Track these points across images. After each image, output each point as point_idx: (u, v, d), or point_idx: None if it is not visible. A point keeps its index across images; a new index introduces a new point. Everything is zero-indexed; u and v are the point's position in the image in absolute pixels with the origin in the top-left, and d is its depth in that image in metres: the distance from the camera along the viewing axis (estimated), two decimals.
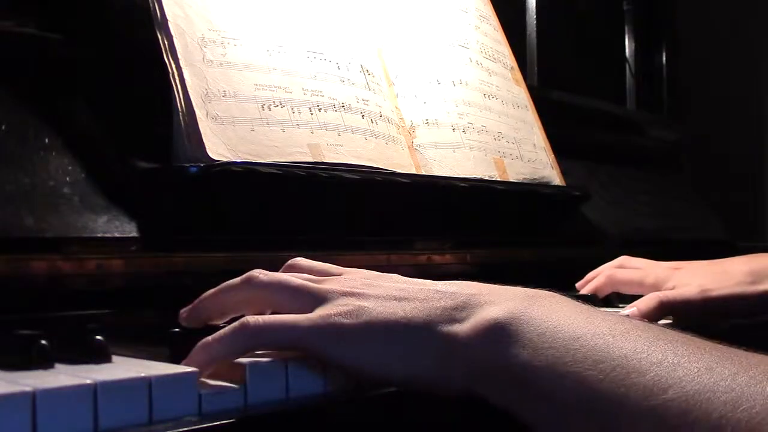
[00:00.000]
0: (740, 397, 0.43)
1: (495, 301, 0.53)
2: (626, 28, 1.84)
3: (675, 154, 1.83)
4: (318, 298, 0.57)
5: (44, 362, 0.50)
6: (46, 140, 0.73)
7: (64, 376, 0.48)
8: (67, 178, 0.72)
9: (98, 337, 0.54)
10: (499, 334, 0.51)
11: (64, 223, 0.69)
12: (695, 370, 0.45)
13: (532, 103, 1.19)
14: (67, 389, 0.45)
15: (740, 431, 0.42)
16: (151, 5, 0.79)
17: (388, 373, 0.54)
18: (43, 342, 0.51)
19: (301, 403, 0.55)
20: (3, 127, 0.71)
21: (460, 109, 1.05)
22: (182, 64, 0.78)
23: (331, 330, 0.54)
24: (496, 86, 1.13)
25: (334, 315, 0.55)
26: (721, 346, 0.47)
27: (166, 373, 0.49)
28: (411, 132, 0.99)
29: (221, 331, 0.55)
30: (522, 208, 1.09)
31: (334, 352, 0.55)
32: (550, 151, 1.18)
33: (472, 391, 0.53)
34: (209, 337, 0.54)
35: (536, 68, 1.49)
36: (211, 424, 0.48)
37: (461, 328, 0.53)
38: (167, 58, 0.78)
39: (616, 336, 0.48)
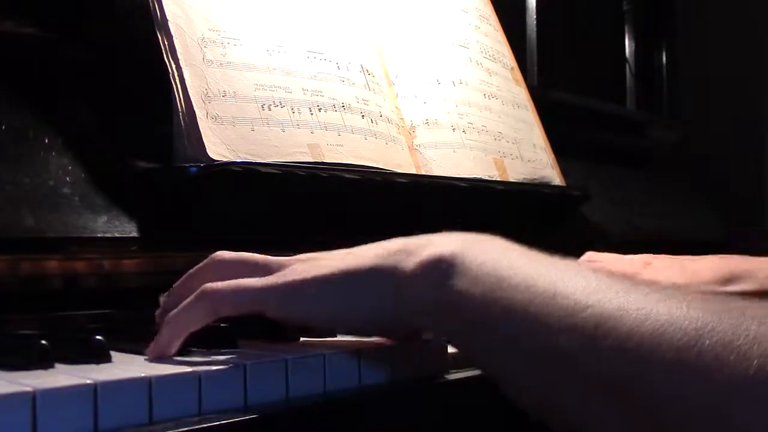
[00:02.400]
0: (649, 312, 0.46)
1: (440, 242, 0.56)
2: (626, 28, 1.84)
3: (675, 154, 1.83)
4: (276, 267, 0.60)
5: (44, 362, 0.50)
6: (46, 140, 0.73)
7: (64, 376, 0.48)
8: (67, 178, 0.72)
9: (98, 337, 0.54)
10: (442, 268, 0.54)
11: (64, 223, 0.69)
12: (613, 292, 0.48)
13: (532, 103, 1.19)
14: (67, 389, 0.45)
15: (645, 341, 0.45)
16: (151, 5, 0.79)
17: (339, 322, 0.59)
18: (43, 342, 0.51)
19: (301, 403, 0.55)
20: (3, 127, 0.71)
21: (460, 109, 1.05)
22: (182, 64, 0.78)
23: (284, 288, 0.58)
24: (496, 86, 1.13)
25: (287, 274, 0.58)
26: (640, 279, 0.51)
27: (166, 373, 0.49)
28: (411, 132, 0.99)
29: (182, 304, 0.58)
30: (522, 208, 1.09)
31: (288, 309, 0.58)
32: (550, 151, 1.18)
33: (416, 326, 0.58)
34: (171, 312, 0.57)
35: (536, 68, 1.49)
36: (211, 424, 0.48)
37: (406, 265, 0.56)
38: (167, 58, 0.78)
39: (547, 267, 0.52)
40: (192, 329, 0.57)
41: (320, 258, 0.60)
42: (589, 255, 1.06)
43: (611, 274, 0.52)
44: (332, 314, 0.58)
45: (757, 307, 0.46)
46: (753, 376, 0.42)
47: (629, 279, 0.51)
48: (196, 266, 0.63)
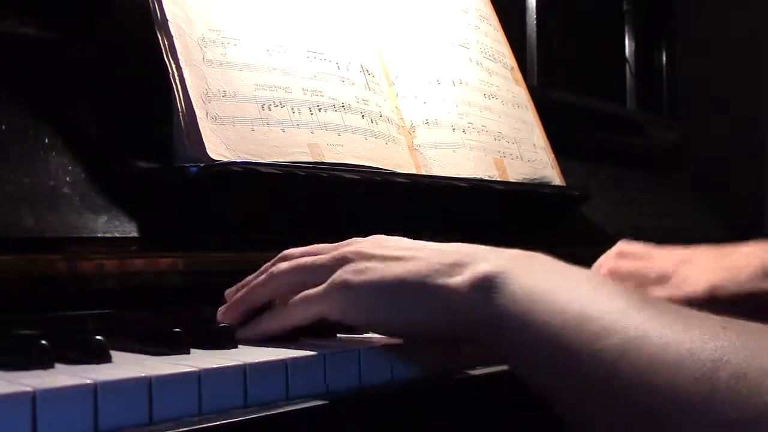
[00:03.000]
0: (670, 341, 0.48)
1: (488, 259, 0.59)
2: (626, 28, 1.84)
3: (675, 154, 1.83)
4: (331, 267, 0.63)
5: (44, 362, 0.50)
6: (46, 140, 0.73)
7: (64, 376, 0.48)
8: (67, 178, 0.72)
9: (98, 337, 0.54)
10: (486, 286, 0.57)
11: (64, 223, 0.69)
12: (638, 319, 0.50)
13: (532, 103, 1.19)
14: (67, 389, 0.45)
15: (664, 372, 0.47)
16: (151, 5, 0.79)
17: (389, 326, 0.62)
18: (43, 342, 0.51)
19: (302, 403, 0.55)
20: (3, 127, 0.71)
21: (460, 109, 1.05)
22: (182, 64, 0.78)
23: (336, 294, 0.61)
24: (496, 86, 1.13)
25: (340, 279, 0.61)
26: (668, 303, 0.53)
27: (166, 373, 0.49)
28: (411, 132, 0.99)
29: (263, 318, 0.65)
30: (522, 208, 1.09)
31: (345, 313, 0.62)
32: (550, 151, 1.18)
33: (459, 337, 0.61)
34: (254, 323, 0.65)
35: (536, 68, 1.49)
36: (211, 424, 0.48)
37: (455, 281, 0.58)
38: (167, 58, 0.78)
39: (582, 290, 0.54)
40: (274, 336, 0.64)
41: (374, 255, 0.62)
42: (621, 246, 1.04)
43: (641, 296, 0.53)
44: (386, 322, 0.62)
45: None
46: (762, 410, 0.43)
47: (657, 303, 0.52)
48: (260, 278, 0.67)
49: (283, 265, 0.66)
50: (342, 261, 0.63)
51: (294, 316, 0.63)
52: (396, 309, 0.60)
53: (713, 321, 0.49)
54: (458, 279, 0.58)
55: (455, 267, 0.59)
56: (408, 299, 0.60)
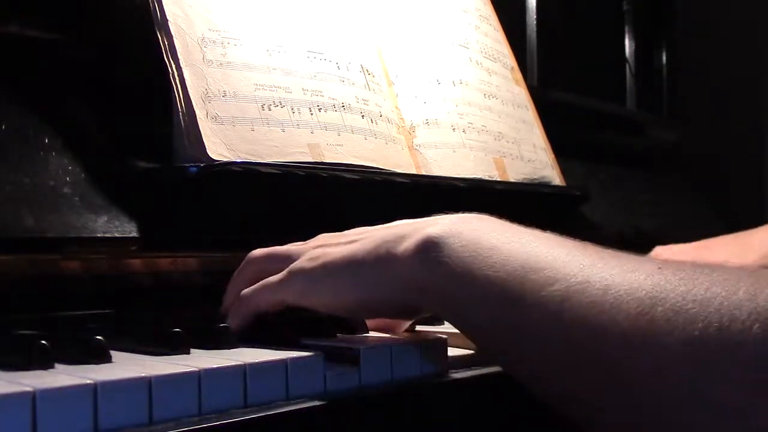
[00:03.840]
0: (610, 284, 0.49)
1: (432, 224, 0.60)
2: (626, 28, 1.84)
3: (675, 154, 1.83)
4: (293, 257, 0.66)
5: (44, 362, 0.50)
6: (46, 140, 0.73)
7: (64, 376, 0.48)
8: (67, 178, 0.72)
9: (98, 337, 0.54)
10: (430, 248, 0.58)
11: (64, 223, 0.69)
12: (579, 266, 0.52)
13: (532, 103, 1.19)
14: (67, 389, 0.45)
15: (605, 312, 0.49)
16: (151, 5, 0.79)
17: (345, 304, 0.63)
18: (43, 342, 0.51)
19: (302, 403, 0.55)
20: (3, 127, 0.71)
21: (460, 109, 1.05)
22: (182, 64, 0.78)
23: (295, 279, 0.63)
24: (496, 86, 1.13)
25: (299, 265, 0.64)
26: (609, 250, 0.54)
27: (166, 372, 0.49)
28: (411, 132, 0.99)
29: (230, 308, 0.67)
30: (522, 208, 1.09)
31: (301, 298, 0.63)
32: (550, 151, 1.18)
33: (413, 306, 0.61)
34: (229, 316, 0.66)
35: (536, 68, 1.49)
36: (211, 424, 0.48)
37: (402, 247, 0.59)
38: (167, 58, 0.78)
39: (524, 244, 0.55)
40: (245, 327, 0.64)
41: (331, 244, 0.65)
42: (657, 250, 1.04)
43: (584, 245, 0.55)
44: (342, 301, 0.63)
45: (708, 272, 0.48)
46: (698, 336, 0.45)
47: (598, 250, 0.54)
48: (239, 267, 0.69)
49: (256, 252, 0.69)
50: (303, 251, 0.65)
51: (257, 302, 0.65)
52: (350, 287, 0.62)
53: (651, 263, 0.51)
54: (405, 245, 0.59)
55: (402, 237, 0.60)
56: (360, 275, 0.61)
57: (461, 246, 0.57)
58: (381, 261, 0.60)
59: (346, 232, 0.67)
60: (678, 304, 0.47)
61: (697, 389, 0.45)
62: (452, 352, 0.67)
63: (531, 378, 0.55)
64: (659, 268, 0.50)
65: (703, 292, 0.46)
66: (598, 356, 0.49)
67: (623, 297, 0.49)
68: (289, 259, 0.66)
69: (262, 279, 0.66)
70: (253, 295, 0.65)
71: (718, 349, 0.45)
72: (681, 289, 0.47)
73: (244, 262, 0.69)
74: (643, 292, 0.48)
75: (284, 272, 0.64)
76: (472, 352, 0.68)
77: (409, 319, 0.69)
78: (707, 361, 0.45)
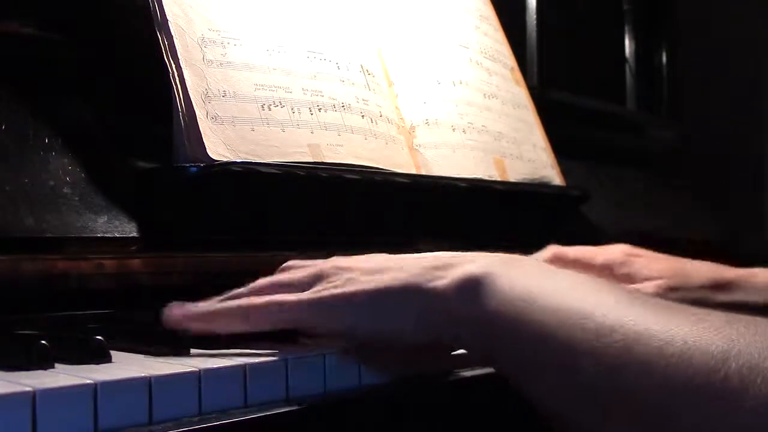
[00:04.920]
0: (675, 335, 0.47)
1: (473, 261, 0.58)
2: (626, 28, 1.84)
3: (675, 154, 1.83)
4: (309, 282, 0.62)
5: (44, 362, 0.50)
6: (46, 140, 0.73)
7: (64, 376, 0.48)
8: (67, 178, 0.72)
9: (98, 337, 0.54)
10: (474, 286, 0.56)
11: (64, 223, 0.69)
12: (637, 315, 0.49)
13: (532, 103, 1.19)
14: (67, 389, 0.45)
15: (671, 365, 0.46)
16: (151, 5, 0.79)
17: (373, 335, 0.60)
18: (43, 342, 0.51)
19: (300, 402, 0.55)
20: (3, 127, 0.71)
21: (460, 109, 1.05)
22: (182, 64, 0.78)
23: (319, 304, 0.60)
24: (496, 86, 1.13)
25: (323, 290, 0.60)
26: (664, 300, 0.53)
27: (166, 372, 0.49)
28: (411, 132, 0.99)
29: (223, 307, 0.61)
30: (522, 208, 1.09)
31: (325, 324, 0.60)
32: (550, 151, 1.18)
33: (447, 341, 0.59)
34: (212, 305, 0.61)
35: (536, 68, 1.49)
36: (211, 424, 0.48)
37: (440, 283, 0.58)
38: (167, 58, 0.78)
39: (575, 289, 0.54)
40: (220, 332, 0.60)
41: (355, 269, 0.61)
42: (553, 249, 1.00)
43: (635, 293, 0.53)
44: (363, 331, 0.60)
45: None
46: None
47: (653, 300, 0.52)
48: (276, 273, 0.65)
49: (260, 282, 0.64)
50: (320, 276, 0.62)
51: (267, 318, 0.61)
52: (378, 317, 0.59)
53: (716, 314, 0.49)
54: (444, 281, 0.57)
55: (439, 270, 0.58)
56: (392, 307, 0.59)
57: (509, 288, 0.55)
58: (419, 294, 0.58)
59: (366, 256, 0.64)
60: (754, 361, 0.44)
61: None
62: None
63: (578, 424, 0.52)
64: (727, 321, 0.48)
65: None
66: (663, 412, 0.46)
67: (692, 350, 0.46)
68: (301, 285, 0.62)
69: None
70: (260, 310, 0.61)
71: None
72: (756, 345, 0.45)
73: (248, 290, 0.64)
74: (714, 346, 0.46)
75: (304, 294, 0.61)
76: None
77: (429, 353, 0.65)
78: None
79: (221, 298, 0.63)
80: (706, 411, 0.45)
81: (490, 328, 0.55)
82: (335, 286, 0.60)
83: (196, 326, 0.60)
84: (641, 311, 0.50)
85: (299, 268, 0.64)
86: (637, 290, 0.56)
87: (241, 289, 0.64)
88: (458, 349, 0.63)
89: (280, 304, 0.60)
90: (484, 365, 0.64)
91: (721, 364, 0.45)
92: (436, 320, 0.58)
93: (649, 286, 0.95)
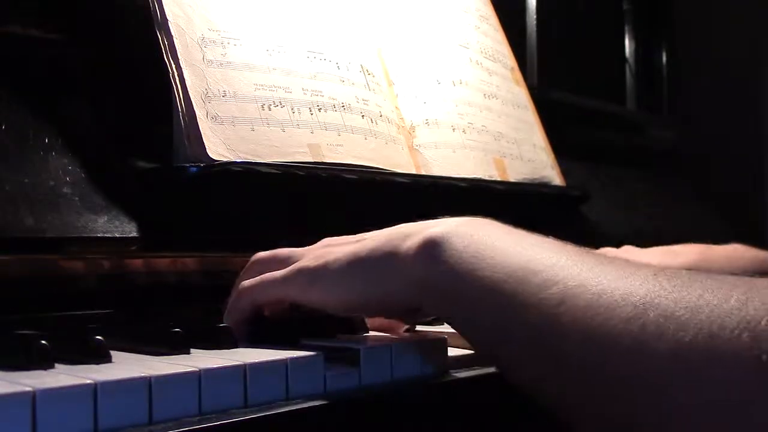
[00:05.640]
0: (605, 288, 0.50)
1: (436, 225, 0.61)
2: (626, 28, 1.84)
3: (675, 154, 1.83)
4: (296, 258, 0.66)
5: (44, 362, 0.50)
6: (46, 140, 0.73)
7: (64, 376, 0.48)
8: (67, 178, 0.72)
9: (98, 337, 0.54)
10: (432, 248, 0.58)
11: (64, 223, 0.69)
12: (578, 269, 0.53)
13: (532, 103, 1.19)
14: (67, 389, 0.45)
15: (599, 316, 0.49)
16: (151, 5, 0.79)
17: (346, 301, 0.63)
18: (43, 342, 0.51)
19: (300, 402, 0.55)
20: (3, 127, 0.71)
21: (460, 109, 1.05)
22: (182, 64, 0.78)
23: (299, 276, 0.64)
24: (496, 86, 1.13)
25: (303, 263, 0.64)
26: (607, 256, 0.55)
27: (166, 372, 0.49)
28: (411, 132, 0.99)
29: (229, 302, 0.67)
30: (522, 208, 1.09)
31: (305, 295, 0.64)
32: (550, 151, 1.18)
33: (414, 305, 0.61)
34: (226, 311, 0.67)
35: (536, 68, 1.49)
36: (211, 424, 0.48)
37: (404, 247, 0.60)
38: (167, 58, 0.78)
39: (525, 247, 0.56)
40: (243, 321, 0.65)
41: (336, 244, 0.66)
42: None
43: (583, 250, 0.56)
44: (345, 298, 0.63)
45: (702, 279, 0.49)
46: (689, 343, 0.46)
47: (597, 255, 0.55)
48: (244, 268, 0.70)
49: (261, 254, 0.69)
50: (307, 252, 0.66)
51: (255, 295, 0.66)
52: (352, 284, 0.62)
53: (646, 268, 0.52)
54: (407, 243, 0.60)
55: (405, 237, 0.61)
56: (362, 272, 0.61)
57: (464, 246, 0.57)
58: (383, 259, 0.61)
59: (350, 236, 0.67)
60: (669, 310, 0.47)
61: (684, 394, 0.45)
62: (452, 352, 0.67)
63: (523, 377, 0.55)
64: (654, 274, 0.50)
65: (695, 300, 0.47)
66: (589, 358, 0.50)
67: (617, 301, 0.49)
68: (292, 259, 0.66)
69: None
70: (253, 288, 0.66)
71: (707, 355, 0.45)
72: (674, 295, 0.48)
73: (248, 263, 0.70)
74: (637, 297, 0.49)
75: (287, 269, 0.65)
76: (472, 351, 0.68)
77: (408, 318, 0.69)
78: (696, 367, 0.45)
79: None
80: (627, 357, 0.48)
81: (445, 287, 0.57)
82: (310, 260, 0.64)
83: (231, 320, 0.65)
84: (584, 267, 0.53)
85: (281, 255, 0.68)
86: (604, 251, 0.57)
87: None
88: (426, 316, 0.67)
89: (264, 281, 0.65)
90: (448, 325, 0.65)
91: (641, 314, 0.48)
92: (401, 285, 0.60)
93: None
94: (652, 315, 0.47)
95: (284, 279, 0.65)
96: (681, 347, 0.46)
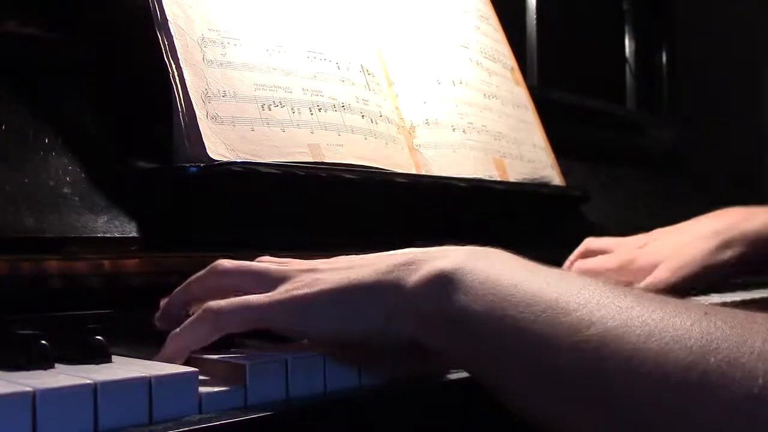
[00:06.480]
0: (653, 330, 0.46)
1: (442, 256, 0.56)
2: (626, 28, 1.84)
3: (675, 154, 1.83)
4: (278, 279, 0.59)
5: (44, 362, 0.50)
6: (46, 140, 0.73)
7: (64, 376, 0.48)
8: (67, 178, 0.72)
9: (98, 337, 0.54)
10: (443, 283, 0.54)
11: (64, 223, 0.69)
12: (616, 309, 0.48)
13: (532, 103, 1.19)
14: (67, 389, 0.45)
15: (650, 361, 0.45)
16: (151, 5, 0.79)
17: (344, 336, 0.57)
18: (43, 342, 0.51)
19: (301, 403, 0.55)
20: (3, 127, 0.71)
21: (460, 109, 1.05)
22: (182, 64, 0.78)
23: (289, 303, 0.57)
24: (496, 86, 1.13)
25: (292, 290, 0.58)
26: (644, 292, 0.51)
27: (166, 372, 0.49)
28: (411, 132, 0.99)
29: (186, 321, 0.58)
30: (522, 208, 1.09)
31: (294, 325, 0.58)
32: (550, 151, 1.18)
33: (418, 341, 0.56)
34: (176, 329, 0.57)
35: (536, 68, 1.49)
36: (211, 424, 0.48)
37: (409, 280, 0.55)
38: (167, 58, 0.78)
39: (550, 283, 0.52)
40: (196, 347, 0.57)
41: (323, 269, 0.59)
42: (587, 243, 1.09)
43: (615, 286, 0.51)
44: (334, 330, 0.57)
45: (762, 321, 0.45)
46: (758, 394, 0.42)
47: (634, 292, 0.50)
48: (198, 273, 0.63)
49: (226, 263, 0.62)
50: (290, 275, 0.59)
51: (230, 319, 0.57)
52: (347, 317, 0.57)
53: (695, 307, 0.48)
54: (414, 276, 0.55)
55: (410, 266, 0.56)
56: (358, 306, 0.56)
57: (479, 282, 0.53)
58: (387, 290, 0.56)
59: (333, 259, 0.62)
60: (733, 356, 0.43)
61: None
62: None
63: (556, 424, 0.50)
64: (706, 314, 0.46)
65: (760, 344, 0.43)
66: (643, 409, 0.45)
67: (669, 345, 0.45)
68: (268, 278, 0.60)
69: (228, 296, 0.59)
70: (228, 311, 0.57)
71: None
72: (734, 339, 0.44)
73: (206, 270, 0.62)
74: (692, 340, 0.45)
75: (271, 294, 0.58)
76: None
77: (409, 360, 0.61)
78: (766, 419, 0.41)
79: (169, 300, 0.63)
80: (687, 406, 0.44)
81: (460, 325, 0.53)
82: (300, 286, 0.58)
83: (179, 355, 0.57)
84: (620, 304, 0.48)
85: (255, 272, 0.61)
86: (622, 283, 0.54)
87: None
88: (432, 351, 0.58)
89: (239, 306, 0.58)
90: (459, 367, 0.61)
91: (700, 359, 0.44)
92: (406, 320, 0.55)
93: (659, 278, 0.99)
94: (713, 361, 0.43)
95: (269, 305, 0.57)
96: (749, 396, 0.42)
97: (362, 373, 0.59)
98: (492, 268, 0.54)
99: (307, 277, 0.59)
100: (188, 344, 0.57)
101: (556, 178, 1.16)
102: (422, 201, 0.95)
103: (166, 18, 0.79)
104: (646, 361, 0.45)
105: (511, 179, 1.07)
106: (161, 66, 0.78)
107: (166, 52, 0.78)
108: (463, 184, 0.97)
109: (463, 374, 0.65)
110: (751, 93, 2.01)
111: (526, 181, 1.10)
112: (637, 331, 0.46)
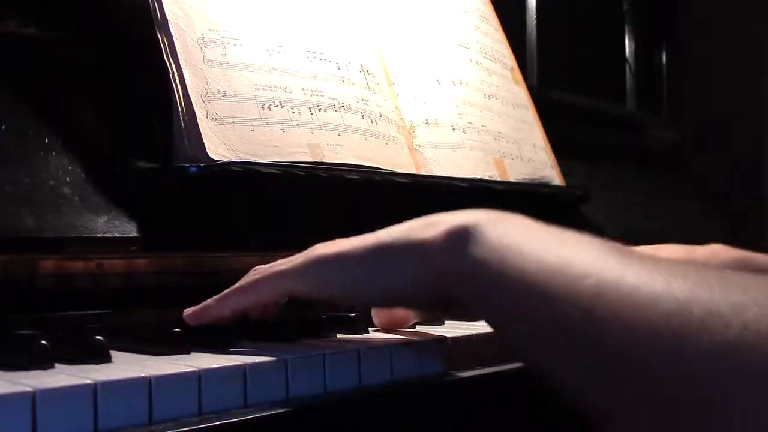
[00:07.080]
0: (646, 282, 0.48)
1: (463, 215, 0.59)
2: (626, 28, 1.84)
3: (675, 154, 1.83)
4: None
5: (44, 362, 0.50)
6: (46, 140, 0.73)
7: (64, 376, 0.48)
8: (67, 178, 0.72)
9: (98, 337, 0.54)
10: (461, 236, 0.57)
11: (64, 223, 0.69)
12: (615, 262, 0.51)
13: (532, 103, 1.19)
14: (67, 389, 0.45)
15: (639, 309, 0.47)
16: (151, 5, 0.79)
17: (366, 294, 0.61)
18: (43, 342, 0.51)
19: (301, 402, 0.55)
20: (3, 127, 0.71)
21: (460, 109, 1.05)
22: (182, 64, 0.78)
23: (317, 267, 0.61)
24: (496, 86, 1.13)
25: (314, 254, 0.62)
26: (645, 253, 0.53)
27: (166, 372, 0.49)
28: (411, 132, 0.99)
29: (225, 293, 0.64)
30: (522, 208, 1.08)
31: (318, 288, 0.61)
32: (550, 151, 1.18)
33: (441, 295, 0.59)
34: (213, 298, 0.64)
35: (536, 68, 1.49)
36: (211, 424, 0.48)
37: (431, 233, 0.58)
38: (167, 58, 0.78)
39: (561, 241, 0.55)
40: (232, 313, 0.63)
41: (346, 240, 0.63)
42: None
43: (620, 247, 0.54)
44: (364, 290, 0.61)
45: (746, 278, 0.47)
46: (734, 341, 0.44)
47: (635, 252, 0.53)
48: (234, 290, 0.66)
49: (257, 277, 0.65)
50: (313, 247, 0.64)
51: (262, 291, 0.63)
52: (372, 275, 0.60)
53: (685, 264, 0.51)
54: (434, 231, 0.58)
55: (430, 225, 0.59)
56: (384, 262, 0.60)
57: (496, 237, 0.56)
58: (409, 246, 0.59)
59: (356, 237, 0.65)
60: (714, 307, 0.45)
61: (729, 395, 0.43)
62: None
63: (553, 371, 0.53)
64: (696, 269, 0.49)
65: (738, 296, 0.45)
66: (628, 356, 0.47)
67: (658, 295, 0.48)
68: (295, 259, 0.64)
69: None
70: (261, 282, 0.63)
71: (755, 353, 0.43)
72: (718, 291, 0.46)
73: (242, 287, 0.66)
74: (679, 290, 0.47)
75: (299, 260, 0.62)
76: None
77: (429, 311, 0.67)
78: (741, 366, 0.43)
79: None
80: (668, 352, 0.46)
81: (476, 276, 0.56)
82: (327, 246, 0.62)
83: (210, 314, 0.63)
84: (621, 260, 0.51)
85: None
86: (635, 249, 0.56)
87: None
88: (452, 306, 0.63)
89: (279, 273, 0.62)
90: (476, 318, 0.63)
91: (684, 309, 0.46)
92: (428, 273, 0.58)
93: None
94: (696, 310, 0.46)
95: (295, 270, 0.62)
96: (726, 344, 0.44)
97: (362, 373, 0.59)
98: (507, 226, 0.57)
99: (329, 243, 0.62)
100: (225, 313, 0.63)
101: (556, 178, 1.16)
102: (422, 201, 0.95)
103: (166, 18, 0.79)
104: (635, 309, 0.47)
105: (511, 179, 1.07)
106: (161, 66, 0.78)
107: (166, 52, 0.78)
108: (463, 184, 0.98)
109: (463, 374, 0.66)
110: (750, 93, 2.01)
111: (526, 181, 1.10)
112: (630, 281, 0.49)
